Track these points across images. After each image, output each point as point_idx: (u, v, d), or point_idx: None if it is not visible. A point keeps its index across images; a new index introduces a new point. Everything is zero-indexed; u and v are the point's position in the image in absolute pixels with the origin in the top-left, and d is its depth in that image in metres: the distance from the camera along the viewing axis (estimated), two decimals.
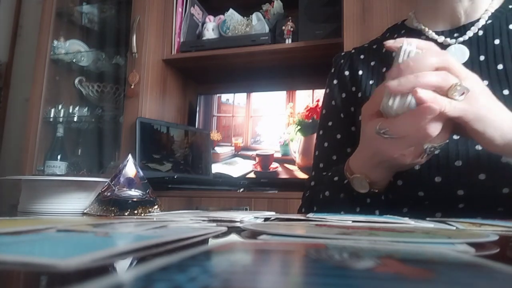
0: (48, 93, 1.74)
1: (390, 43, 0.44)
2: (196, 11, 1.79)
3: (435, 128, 0.41)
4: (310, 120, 1.61)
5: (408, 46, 0.43)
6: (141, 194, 0.52)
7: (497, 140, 0.43)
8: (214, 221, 0.39)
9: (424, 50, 0.42)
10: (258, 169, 1.65)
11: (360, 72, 0.68)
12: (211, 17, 1.77)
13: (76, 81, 1.84)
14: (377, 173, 0.50)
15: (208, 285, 0.12)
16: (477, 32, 0.59)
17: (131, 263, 0.18)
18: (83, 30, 1.94)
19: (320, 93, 1.60)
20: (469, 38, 0.59)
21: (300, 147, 1.61)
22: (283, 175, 1.61)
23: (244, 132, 1.71)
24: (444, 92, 0.41)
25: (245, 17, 1.69)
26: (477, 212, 0.49)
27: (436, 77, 0.40)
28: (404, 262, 0.17)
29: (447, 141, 0.43)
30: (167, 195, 1.37)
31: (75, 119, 1.76)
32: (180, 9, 1.71)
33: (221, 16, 1.74)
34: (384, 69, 0.66)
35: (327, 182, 0.59)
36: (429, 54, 0.42)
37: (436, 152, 0.45)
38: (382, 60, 0.67)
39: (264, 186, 1.53)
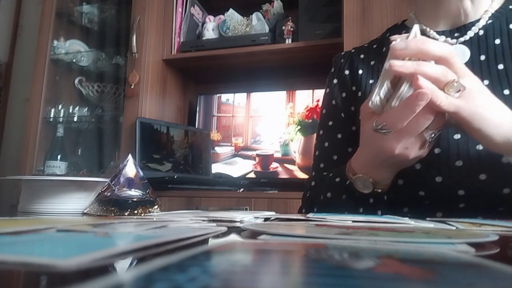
0: (48, 93, 1.74)
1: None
2: (196, 11, 1.78)
3: (429, 116, 0.41)
4: (310, 120, 1.61)
5: (417, 30, 0.44)
6: (141, 194, 0.52)
7: (496, 138, 0.43)
8: (214, 221, 0.38)
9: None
10: (258, 169, 1.65)
11: (360, 72, 0.67)
12: (211, 17, 1.76)
13: (76, 81, 1.84)
14: (380, 173, 0.50)
15: (208, 285, 0.12)
16: (478, 32, 0.59)
17: (131, 263, 0.18)
18: (83, 30, 1.94)
19: (320, 93, 1.60)
20: (470, 38, 0.59)
21: (300, 147, 1.61)
22: (283, 175, 1.61)
23: (244, 132, 1.71)
24: (441, 86, 0.41)
25: (245, 17, 1.69)
26: (478, 212, 0.49)
27: (435, 70, 0.41)
28: (404, 262, 0.17)
29: (445, 127, 0.44)
30: (167, 195, 1.37)
31: (75, 119, 1.76)
32: (180, 9, 1.71)
33: (221, 16, 1.73)
34: None
35: (328, 183, 0.59)
36: (435, 43, 0.42)
37: (438, 134, 0.45)
38: (382, 60, 0.67)
39: (264, 186, 1.53)
